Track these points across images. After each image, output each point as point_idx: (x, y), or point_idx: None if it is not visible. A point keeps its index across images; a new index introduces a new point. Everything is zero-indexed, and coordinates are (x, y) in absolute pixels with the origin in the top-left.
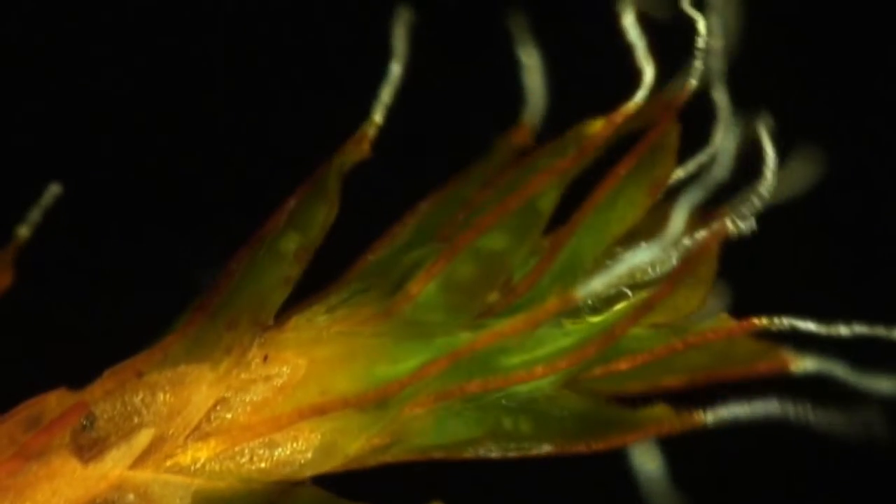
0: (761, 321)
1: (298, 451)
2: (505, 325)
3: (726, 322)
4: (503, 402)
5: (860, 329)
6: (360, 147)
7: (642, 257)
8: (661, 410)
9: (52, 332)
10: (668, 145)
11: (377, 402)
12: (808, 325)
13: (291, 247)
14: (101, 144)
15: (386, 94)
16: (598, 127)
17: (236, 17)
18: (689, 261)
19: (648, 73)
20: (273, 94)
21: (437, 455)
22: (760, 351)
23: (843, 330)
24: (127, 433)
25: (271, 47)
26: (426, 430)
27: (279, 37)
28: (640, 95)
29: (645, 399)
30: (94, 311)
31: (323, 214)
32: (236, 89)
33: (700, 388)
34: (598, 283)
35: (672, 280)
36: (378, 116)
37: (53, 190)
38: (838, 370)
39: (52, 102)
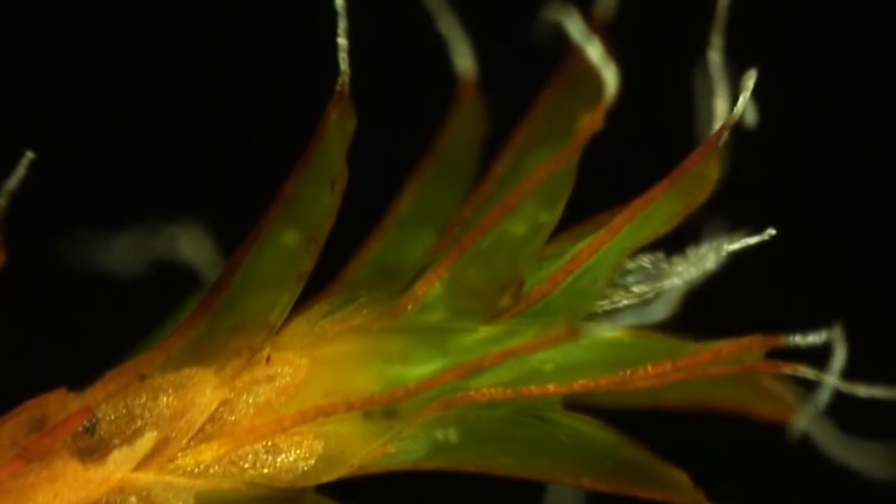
0: (786, 366)
1: (301, 458)
2: (513, 345)
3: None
4: (514, 415)
5: (878, 392)
6: (343, 105)
7: (648, 315)
8: (681, 478)
9: (52, 332)
10: (708, 176)
11: (382, 405)
12: (830, 379)
13: (295, 237)
14: (101, 143)
15: (342, 40)
16: (587, 121)
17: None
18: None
19: (610, 75)
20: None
21: (439, 466)
22: (771, 394)
23: (861, 390)
24: (129, 436)
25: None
26: (427, 440)
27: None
28: (609, 94)
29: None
30: (94, 311)
31: (326, 195)
32: (233, 85)
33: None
34: (602, 331)
35: (714, 355)
36: (344, 64)
37: (28, 157)
38: (831, 442)
39: (51, 103)
